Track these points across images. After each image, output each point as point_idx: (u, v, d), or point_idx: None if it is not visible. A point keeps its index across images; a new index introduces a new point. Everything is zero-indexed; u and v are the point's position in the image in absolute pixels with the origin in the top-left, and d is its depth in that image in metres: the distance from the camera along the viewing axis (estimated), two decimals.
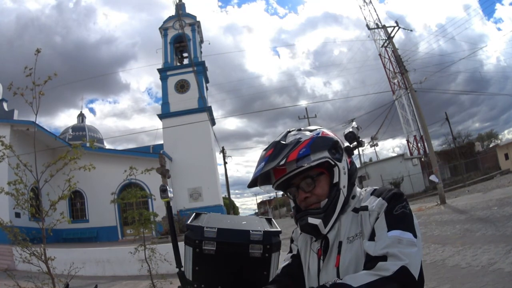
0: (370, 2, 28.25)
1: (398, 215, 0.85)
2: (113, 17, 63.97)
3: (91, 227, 19.33)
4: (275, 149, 0.96)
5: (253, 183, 1.04)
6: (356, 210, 0.95)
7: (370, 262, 0.80)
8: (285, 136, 1.00)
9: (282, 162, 0.92)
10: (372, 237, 0.85)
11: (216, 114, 32.58)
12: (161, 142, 22.65)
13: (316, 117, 26.55)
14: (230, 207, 28.55)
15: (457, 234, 7.18)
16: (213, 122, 24.87)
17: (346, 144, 1.03)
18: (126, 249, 6.99)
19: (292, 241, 1.19)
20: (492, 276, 4.05)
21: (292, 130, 1.02)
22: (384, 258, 0.78)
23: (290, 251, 1.18)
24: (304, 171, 0.95)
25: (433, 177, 14.89)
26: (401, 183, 23.48)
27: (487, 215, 8.33)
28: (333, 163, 0.95)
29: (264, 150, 1.02)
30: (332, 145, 0.97)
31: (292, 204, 1.08)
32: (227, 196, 29.07)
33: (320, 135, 0.99)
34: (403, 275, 0.75)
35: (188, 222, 1.43)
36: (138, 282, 7.25)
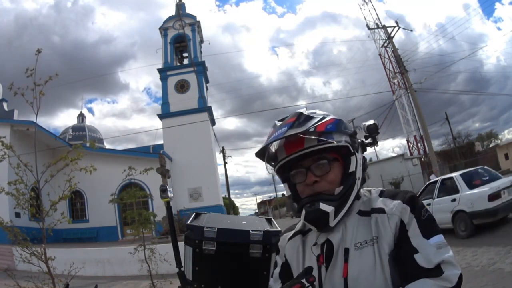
0: (370, 1, 28.22)
1: (428, 220, 0.82)
2: (112, 17, 63.81)
3: (91, 227, 19.31)
4: (298, 118, 0.88)
5: (261, 153, 0.93)
6: (363, 213, 0.87)
7: (425, 273, 0.76)
8: (305, 111, 0.92)
9: (312, 129, 0.84)
10: (402, 246, 0.79)
11: (216, 114, 32.64)
12: (161, 142, 22.64)
13: None
14: (230, 207, 28.57)
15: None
16: (213, 122, 24.87)
17: (362, 139, 0.96)
18: (126, 249, 6.99)
19: (277, 251, 1.05)
20: (492, 276, 4.05)
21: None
22: (439, 267, 0.76)
23: (276, 265, 1.04)
24: (320, 152, 0.86)
25: (432, 177, 14.89)
26: (401, 183, 23.47)
27: None
28: (352, 150, 0.87)
29: (280, 120, 0.93)
30: (352, 133, 0.91)
31: (288, 192, 0.95)
32: (227, 196, 29.07)
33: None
34: (459, 283, 0.76)
35: (188, 222, 1.44)
36: (138, 282, 7.25)
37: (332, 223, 0.84)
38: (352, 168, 0.87)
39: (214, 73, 57.31)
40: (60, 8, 55.18)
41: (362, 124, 0.96)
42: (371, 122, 0.95)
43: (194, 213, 1.62)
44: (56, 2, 56.00)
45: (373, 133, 0.94)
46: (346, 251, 0.83)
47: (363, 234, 0.83)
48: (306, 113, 0.89)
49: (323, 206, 0.83)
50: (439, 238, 0.80)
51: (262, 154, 0.94)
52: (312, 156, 0.86)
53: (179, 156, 21.46)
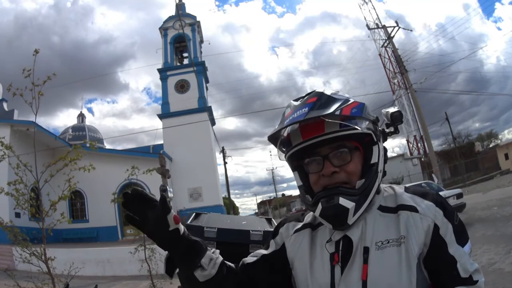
0: (370, 1, 28.25)
1: (460, 225, 0.77)
2: (111, 17, 63.78)
3: (91, 227, 19.30)
4: (320, 98, 0.77)
5: (276, 136, 0.82)
6: (385, 209, 0.78)
7: (462, 282, 0.72)
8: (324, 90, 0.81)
9: (338, 112, 0.73)
10: (438, 253, 0.73)
11: (216, 114, 32.61)
12: (161, 142, 22.65)
13: None
14: (230, 207, 28.56)
15: None
16: (213, 122, 24.87)
17: (382, 127, 0.85)
18: (126, 249, 6.99)
19: (275, 235, 0.93)
20: (492, 276, 4.05)
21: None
22: (471, 275, 0.73)
23: (266, 247, 0.93)
24: (340, 139, 0.76)
25: (433, 177, 14.92)
26: (401, 183, 23.50)
27: (487, 215, 8.35)
28: (375, 139, 0.78)
29: (295, 100, 0.82)
30: (375, 120, 0.81)
31: (299, 182, 0.85)
32: (227, 196, 29.07)
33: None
34: None
35: (188, 222, 1.44)
36: (138, 282, 7.25)
37: (350, 220, 0.75)
38: (374, 159, 0.78)
39: (214, 73, 57.39)
40: (59, 8, 55.13)
41: (384, 110, 0.86)
42: (395, 109, 0.85)
43: (194, 213, 1.62)
44: (56, 2, 55.98)
45: (397, 121, 0.84)
46: (366, 250, 0.74)
47: (385, 232, 0.75)
48: (328, 94, 0.79)
49: (343, 201, 0.74)
50: (469, 245, 0.77)
51: (276, 137, 0.83)
52: (331, 144, 0.76)
53: (179, 156, 21.47)
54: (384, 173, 0.82)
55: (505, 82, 36.31)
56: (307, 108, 0.75)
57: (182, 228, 0.76)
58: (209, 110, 23.96)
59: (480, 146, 29.95)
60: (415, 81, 17.10)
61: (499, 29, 57.90)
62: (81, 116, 28.85)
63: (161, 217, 0.73)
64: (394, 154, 30.53)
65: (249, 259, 0.90)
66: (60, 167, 3.63)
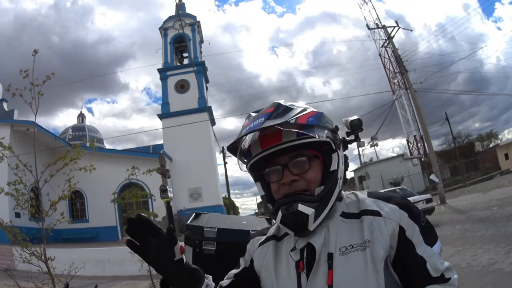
0: (370, 0, 28.27)
1: (428, 226, 0.78)
2: (111, 17, 63.71)
3: (91, 227, 19.34)
4: (277, 108, 0.79)
5: (234, 147, 0.84)
6: (348, 215, 0.80)
7: (432, 281, 0.73)
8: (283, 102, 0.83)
9: (292, 121, 0.75)
10: (407, 254, 0.74)
11: (216, 114, 32.61)
12: (161, 142, 22.69)
13: None
14: (230, 207, 28.53)
15: (457, 234, 7.19)
16: (213, 122, 24.88)
17: (343, 135, 0.87)
18: (126, 249, 6.80)
19: (243, 253, 0.97)
20: (492, 276, 4.05)
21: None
22: (442, 273, 0.74)
23: (237, 266, 0.96)
24: (299, 148, 0.77)
25: (433, 176, 14.93)
26: (401, 183, 23.50)
27: (487, 215, 8.36)
28: (334, 147, 0.79)
29: (255, 111, 0.84)
30: (334, 128, 0.83)
31: (261, 192, 0.86)
32: (227, 196, 29.06)
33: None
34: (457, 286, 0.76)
35: (188, 222, 1.44)
36: (138, 282, 7.26)
37: (311, 226, 0.76)
38: (333, 167, 0.79)
39: (214, 73, 57.30)
40: (59, 8, 55.12)
41: (344, 119, 0.88)
42: (355, 117, 0.87)
43: (194, 213, 1.62)
44: (56, 2, 55.97)
45: (356, 129, 0.86)
46: (330, 256, 0.75)
47: (348, 238, 0.76)
48: (286, 104, 0.81)
49: (302, 207, 0.75)
50: (439, 244, 0.78)
51: (235, 148, 0.84)
52: (289, 153, 0.78)
53: (179, 156, 21.48)
54: (345, 180, 0.84)
55: (505, 82, 36.35)
56: (263, 118, 0.77)
57: (184, 257, 0.80)
58: (209, 110, 23.97)
59: (480, 146, 29.93)
60: (415, 81, 17.10)
61: (499, 29, 58.04)
62: (81, 116, 28.89)
63: (167, 247, 0.76)
64: (394, 154, 30.59)
65: (225, 282, 0.93)
66: (60, 167, 3.63)
